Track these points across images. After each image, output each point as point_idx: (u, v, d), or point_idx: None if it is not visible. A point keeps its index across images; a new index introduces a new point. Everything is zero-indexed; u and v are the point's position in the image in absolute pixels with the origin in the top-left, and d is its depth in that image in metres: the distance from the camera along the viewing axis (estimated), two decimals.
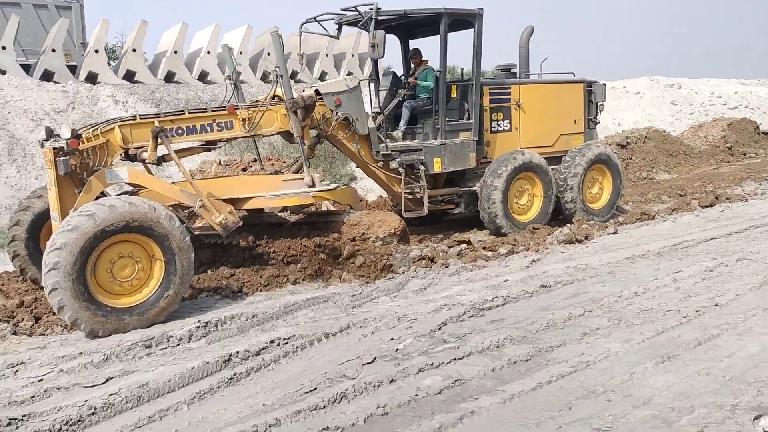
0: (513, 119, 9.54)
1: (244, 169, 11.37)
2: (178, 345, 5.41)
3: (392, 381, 4.36)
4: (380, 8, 8.21)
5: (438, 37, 8.72)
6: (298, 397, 4.20)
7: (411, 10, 8.55)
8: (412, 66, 9.51)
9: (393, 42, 9.92)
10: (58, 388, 4.50)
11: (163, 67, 16.59)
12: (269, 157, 12.37)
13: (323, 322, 5.78)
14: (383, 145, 8.40)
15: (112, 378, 4.68)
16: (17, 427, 3.86)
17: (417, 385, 4.27)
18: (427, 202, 8.64)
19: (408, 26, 9.49)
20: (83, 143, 6.36)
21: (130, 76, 16.20)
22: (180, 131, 6.96)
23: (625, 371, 4.39)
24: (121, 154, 6.73)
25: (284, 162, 12.16)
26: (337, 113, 7.89)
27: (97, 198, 6.22)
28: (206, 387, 4.39)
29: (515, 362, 4.62)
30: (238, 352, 4.97)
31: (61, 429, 3.79)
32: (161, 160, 7.02)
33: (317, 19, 8.58)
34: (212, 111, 7.17)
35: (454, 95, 9.23)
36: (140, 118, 6.74)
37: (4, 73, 14.55)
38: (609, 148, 10.21)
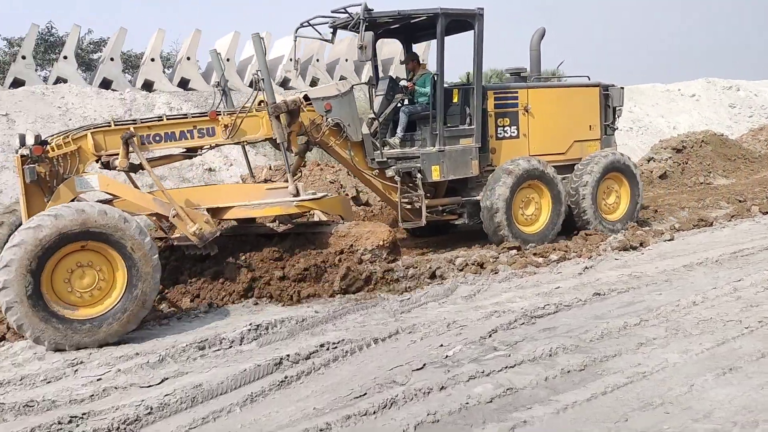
0: (521, 125, 9.05)
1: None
2: (230, 347, 5.50)
3: (442, 388, 4.32)
4: (371, 9, 7.86)
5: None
6: (348, 402, 4.21)
7: (404, 10, 8.19)
8: (409, 71, 9.25)
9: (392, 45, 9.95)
10: (115, 388, 4.63)
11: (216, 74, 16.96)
12: (318, 161, 12.48)
13: (372, 327, 5.79)
14: (378, 152, 8.08)
15: (167, 379, 4.79)
16: (78, 425, 3.97)
17: (467, 392, 4.22)
18: (426, 213, 8.26)
19: (409, 29, 9.15)
20: (53, 150, 6.25)
21: (184, 84, 16.62)
22: (158, 138, 6.77)
23: (684, 383, 4.24)
24: (98, 161, 6.59)
25: (332, 167, 12.25)
26: (327, 119, 7.59)
27: None
28: (258, 390, 4.45)
29: (568, 372, 4.52)
30: (288, 356, 5.02)
31: (119, 428, 3.89)
32: (136, 168, 6.84)
33: (311, 22, 8.23)
34: (192, 117, 7.01)
35: (455, 100, 8.87)
36: (115, 124, 6.60)
37: (65, 81, 15.13)
38: (625, 155, 9.56)
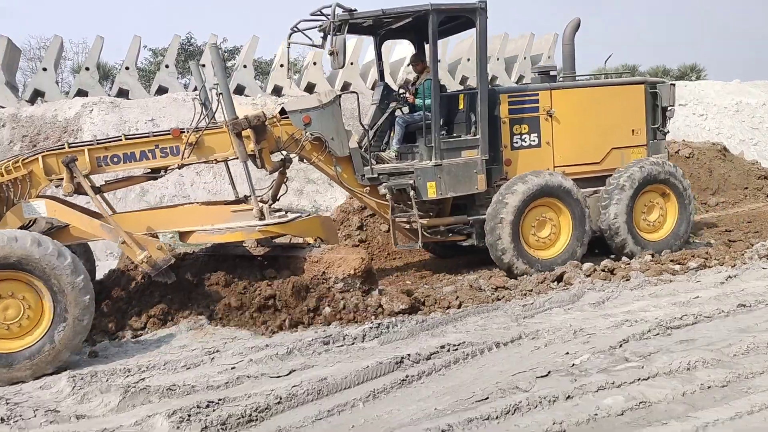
0: (543, 132, 7.99)
1: None
2: (353, 344, 5.63)
3: (569, 397, 4.16)
4: (353, 9, 7.17)
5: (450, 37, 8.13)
6: (469, 405, 4.16)
7: (390, 9, 7.35)
8: (415, 74, 8.40)
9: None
10: (248, 377, 4.88)
11: (340, 78, 17.45)
12: None
13: (493, 330, 5.69)
14: (368, 167, 7.26)
15: (294, 371, 4.98)
16: (214, 410, 4.22)
17: (596, 403, 4.03)
18: (426, 233, 7.58)
19: (418, 28, 8.11)
20: (2, 175, 6.06)
21: (310, 89, 17.24)
22: (116, 159, 6.41)
23: None
24: (56, 186, 6.32)
25: None
26: (306, 133, 6.94)
27: None
28: (380, 387, 4.50)
29: (709, 387, 4.19)
30: (409, 355, 5.04)
31: (251, 415, 4.08)
32: (98, 190, 6.52)
33: (299, 28, 7.48)
34: (154, 136, 6.63)
35: (461, 107, 8.03)
36: (69, 147, 6.35)
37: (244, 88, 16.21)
38: (669, 164, 8.25)
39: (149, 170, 6.82)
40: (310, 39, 7.59)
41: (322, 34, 7.59)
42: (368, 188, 7.39)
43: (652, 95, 8.49)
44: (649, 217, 8.18)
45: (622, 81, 9.05)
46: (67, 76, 25.25)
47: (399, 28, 8.09)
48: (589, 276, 7.14)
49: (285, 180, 7.23)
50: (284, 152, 7.08)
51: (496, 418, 3.94)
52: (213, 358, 5.41)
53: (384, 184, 7.30)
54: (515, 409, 4.00)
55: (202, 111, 6.60)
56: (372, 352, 5.38)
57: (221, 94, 6.46)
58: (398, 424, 3.97)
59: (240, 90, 16.47)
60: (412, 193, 7.29)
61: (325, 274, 6.28)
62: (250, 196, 6.73)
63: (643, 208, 8.11)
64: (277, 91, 16.75)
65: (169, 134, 6.57)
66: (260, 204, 6.57)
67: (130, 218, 6.60)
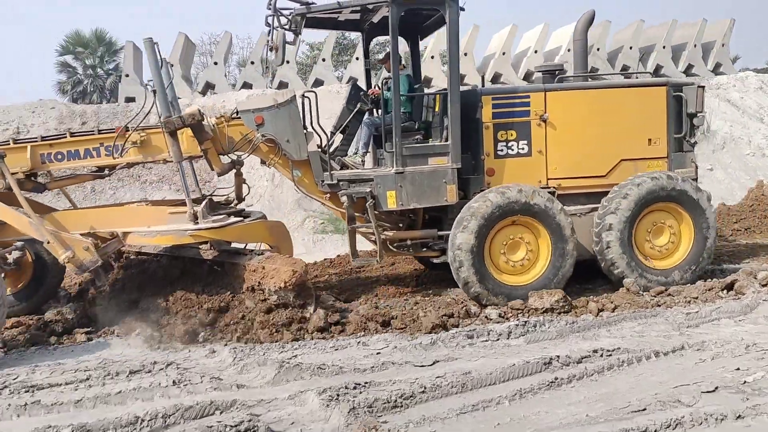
0: (534, 139, 6.97)
1: None
2: (498, 340, 5.53)
3: (739, 417, 3.79)
4: (311, 2, 6.53)
5: (442, 32, 7.06)
6: (624, 415, 3.92)
7: (346, 2, 6.66)
8: (385, 73, 7.79)
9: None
10: (393, 363, 4.96)
11: (491, 68, 17.19)
12: None
13: (652, 338, 5.33)
14: (327, 173, 6.67)
15: (438, 362, 4.99)
16: (360, 392, 4.33)
17: None
18: (386, 247, 6.94)
19: (410, 24, 7.44)
20: None
21: (496, 79, 17.15)
22: (60, 156, 6.38)
23: None
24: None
25: None
26: (258, 134, 6.53)
27: None
28: (527, 386, 4.38)
29: None
30: (558, 357, 4.85)
31: (396, 401, 4.14)
32: (42, 187, 6.58)
33: (277, 8, 6.74)
34: (99, 134, 6.46)
35: (437, 109, 7.27)
36: (14, 143, 6.43)
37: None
38: (680, 178, 6.88)
39: (95, 168, 6.79)
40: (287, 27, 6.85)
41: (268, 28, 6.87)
42: (329, 195, 6.80)
43: (676, 99, 7.20)
44: (657, 241, 6.97)
45: (636, 82, 7.90)
46: (233, 70, 27.21)
47: (384, 23, 7.12)
48: (765, 286, 6.45)
49: (243, 180, 7.08)
50: (236, 154, 6.75)
51: (655, 431, 3.68)
52: (359, 342, 5.57)
53: (341, 192, 6.67)
54: (677, 424, 3.71)
55: (142, 109, 6.31)
56: (518, 350, 5.26)
57: (155, 90, 6.16)
58: (546, 426, 3.83)
59: (427, 80, 16.68)
60: (370, 202, 6.61)
61: (260, 285, 5.97)
62: (207, 196, 6.62)
63: (647, 231, 6.95)
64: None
65: (113, 132, 6.41)
66: (194, 207, 6.19)
67: (72, 216, 6.52)
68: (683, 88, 7.28)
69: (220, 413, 4.07)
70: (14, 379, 4.93)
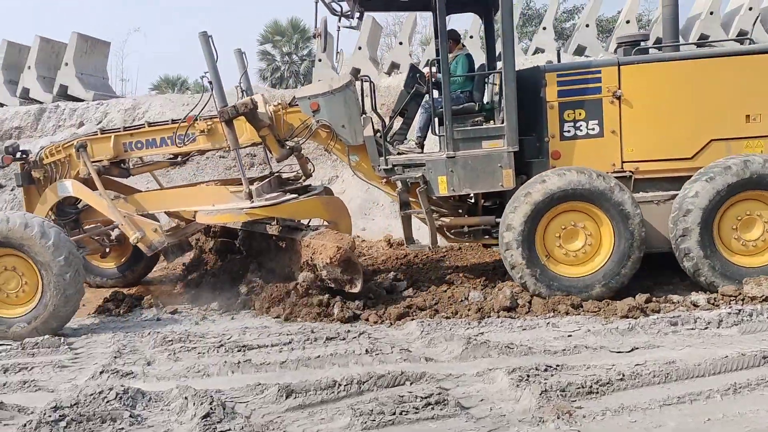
0: (607, 118, 6.29)
1: None
2: (706, 328, 5.06)
3: None
4: None
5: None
6: None
7: None
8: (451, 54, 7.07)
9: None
10: (586, 347, 4.73)
11: (696, 30, 15.58)
12: None
13: None
14: (383, 158, 6.46)
15: (637, 348, 4.68)
16: (552, 374, 4.19)
17: None
18: (444, 234, 6.78)
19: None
20: (47, 158, 6.80)
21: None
22: (139, 145, 6.78)
23: None
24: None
25: None
26: (313, 120, 6.49)
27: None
28: (743, 381, 3.94)
29: None
30: None
31: (591, 387, 3.95)
32: (127, 173, 7.07)
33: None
34: (173, 123, 6.77)
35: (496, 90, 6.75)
36: (101, 133, 6.82)
37: (543, 51, 16.03)
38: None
39: (171, 156, 7.28)
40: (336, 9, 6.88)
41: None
42: (385, 180, 6.67)
43: None
44: (747, 234, 6.02)
45: (729, 51, 6.67)
46: (416, 49, 27.56)
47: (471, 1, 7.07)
48: None
49: (307, 160, 7.41)
50: (295, 140, 6.76)
51: None
52: (548, 323, 5.40)
53: (393, 177, 6.51)
54: None
55: (211, 98, 6.48)
56: (730, 340, 4.77)
57: (210, 82, 6.34)
58: (765, 426, 3.43)
59: (581, 51, 15.90)
60: (422, 188, 6.42)
61: (312, 260, 6.12)
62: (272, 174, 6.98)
63: (734, 222, 6.00)
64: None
65: (185, 122, 6.71)
66: (249, 186, 6.38)
67: (151, 197, 7.03)
68: None
69: (410, 384, 4.17)
70: (228, 338, 5.49)
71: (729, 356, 4.27)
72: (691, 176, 6.13)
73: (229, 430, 3.58)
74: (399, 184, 6.50)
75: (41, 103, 16.37)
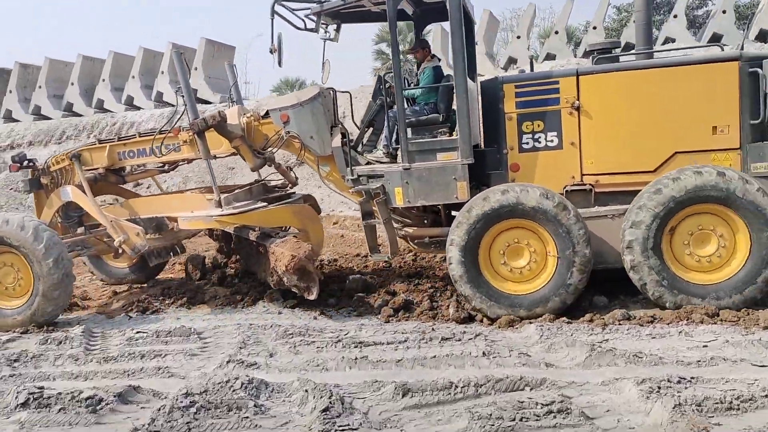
0: (565, 130, 6.10)
1: None
2: None
3: None
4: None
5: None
6: None
7: None
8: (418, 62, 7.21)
9: None
10: (724, 359, 4.38)
11: (756, 25, 14.05)
12: None
13: None
14: (349, 169, 6.52)
15: None
16: (686, 387, 3.90)
17: None
18: (396, 244, 6.68)
19: (421, 10, 6.87)
20: (54, 165, 7.38)
21: (763, 36, 14.37)
22: (131, 154, 7.21)
23: None
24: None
25: None
26: (282, 131, 6.69)
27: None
28: None
29: None
30: None
31: (731, 402, 3.63)
32: (122, 180, 7.58)
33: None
34: (160, 133, 7.05)
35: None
36: (99, 143, 7.33)
37: (674, 40, 15.10)
38: (738, 174, 5.40)
39: (161, 164, 7.62)
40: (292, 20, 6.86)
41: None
42: (354, 190, 6.63)
43: (751, 77, 5.70)
44: (700, 250, 5.56)
45: (695, 59, 6.14)
46: (533, 43, 26.86)
47: (438, 9, 6.58)
48: None
49: (286, 169, 7.73)
50: (270, 150, 6.91)
51: None
52: (681, 332, 5.05)
53: (354, 188, 6.54)
54: None
55: (184, 110, 6.79)
56: None
57: (182, 96, 6.66)
58: None
59: (716, 38, 14.81)
60: (380, 198, 6.41)
61: (276, 267, 6.25)
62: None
63: (686, 238, 5.58)
64: (762, 36, 14.48)
65: (170, 132, 7.00)
66: (219, 195, 6.64)
67: (141, 203, 7.42)
68: (763, 62, 5.71)
69: (530, 390, 4.04)
70: (345, 334, 5.59)
71: None
72: None
73: (348, 425, 3.63)
74: (362, 194, 6.51)
75: (173, 105, 17.51)
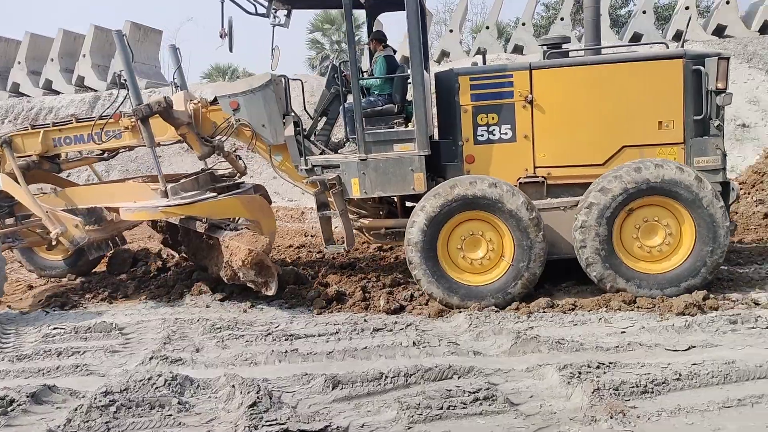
0: (519, 123, 6.18)
1: None
2: None
3: None
4: None
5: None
6: None
7: None
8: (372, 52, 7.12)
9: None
10: (640, 344, 4.57)
11: (759, 17, 14.90)
12: None
13: None
14: (303, 159, 6.40)
15: (694, 347, 4.49)
16: (604, 372, 4.06)
17: None
18: (352, 235, 6.60)
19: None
20: None
21: (720, 31, 15.16)
22: (68, 140, 6.88)
23: None
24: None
25: None
26: (232, 118, 6.48)
27: None
28: None
29: None
30: None
31: (646, 386, 3.80)
32: (58, 168, 7.16)
33: None
34: (99, 119, 6.75)
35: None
36: (32, 128, 6.97)
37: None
38: (681, 168, 5.68)
39: (100, 151, 7.21)
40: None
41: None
42: (307, 180, 6.52)
43: (695, 74, 5.91)
44: (648, 241, 5.79)
45: (642, 56, 6.35)
46: (466, 37, 27.23)
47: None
48: None
49: (235, 157, 7.40)
50: (218, 138, 6.71)
51: None
52: (600, 318, 5.24)
53: (309, 179, 6.43)
54: None
55: (127, 95, 6.45)
56: None
57: (125, 80, 6.26)
58: None
59: (637, 38, 15.42)
60: (336, 189, 6.33)
61: (230, 261, 6.02)
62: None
63: (633, 231, 5.81)
64: (678, 36, 15.18)
65: (111, 118, 6.68)
66: (165, 185, 6.36)
67: (79, 192, 7.08)
68: (705, 60, 5.96)
69: (458, 378, 4.11)
70: (276, 327, 5.52)
71: None
72: None
73: (276, 419, 3.59)
74: (318, 184, 6.42)
75: (96, 90, 16.77)
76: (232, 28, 6.41)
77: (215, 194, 6.56)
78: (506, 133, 6.30)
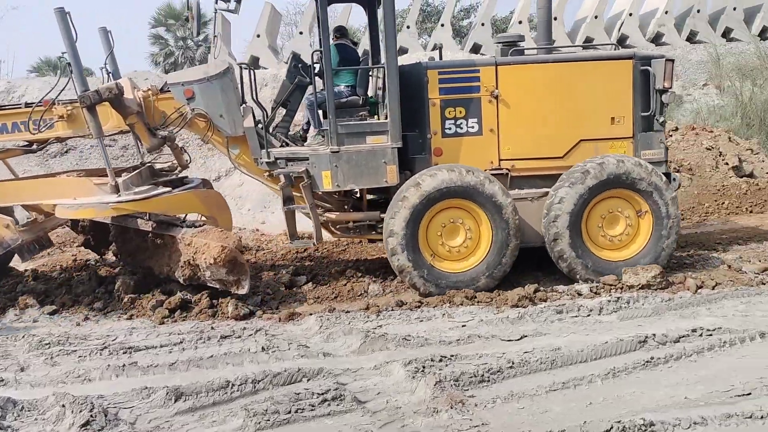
0: (485, 117, 6.46)
1: None
2: (588, 316, 5.33)
3: None
4: None
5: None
6: (727, 399, 3.69)
7: None
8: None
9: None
10: (479, 336, 4.86)
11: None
12: (693, 126, 11.18)
13: (758, 318, 5.00)
14: (264, 151, 6.30)
15: (525, 336, 4.86)
16: (447, 365, 4.27)
17: None
18: (321, 229, 6.51)
19: None
20: None
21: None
22: None
23: None
24: None
25: (711, 131, 10.87)
26: (187, 108, 6.23)
27: None
28: (621, 365, 4.18)
29: None
30: (654, 335, 4.63)
31: (483, 375, 4.06)
32: None
33: None
34: (27, 107, 6.24)
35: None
36: None
37: (441, 47, 16.36)
38: (639, 162, 6.27)
39: (25, 143, 6.64)
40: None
41: None
42: (268, 174, 6.49)
43: (643, 74, 6.54)
44: (611, 231, 6.39)
45: (598, 55, 7.12)
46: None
47: None
48: None
49: (181, 150, 6.83)
50: (168, 129, 6.37)
51: (761, 417, 3.44)
52: (444, 314, 5.50)
53: (276, 171, 6.32)
54: None
55: (69, 81, 5.96)
56: (610, 326, 5.05)
57: (68, 63, 5.84)
58: (642, 407, 3.65)
59: (476, 48, 16.37)
60: (305, 182, 6.25)
61: (194, 260, 5.74)
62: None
63: (599, 221, 6.36)
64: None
65: (41, 106, 6.17)
66: (116, 179, 5.96)
67: (2, 188, 6.39)
68: (651, 61, 6.57)
69: (308, 380, 4.12)
70: (113, 340, 5.19)
71: (608, 342, 4.53)
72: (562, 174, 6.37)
73: None
74: (282, 178, 6.25)
75: None
76: (199, 11, 6.08)
77: (170, 189, 6.14)
78: (473, 127, 6.49)
